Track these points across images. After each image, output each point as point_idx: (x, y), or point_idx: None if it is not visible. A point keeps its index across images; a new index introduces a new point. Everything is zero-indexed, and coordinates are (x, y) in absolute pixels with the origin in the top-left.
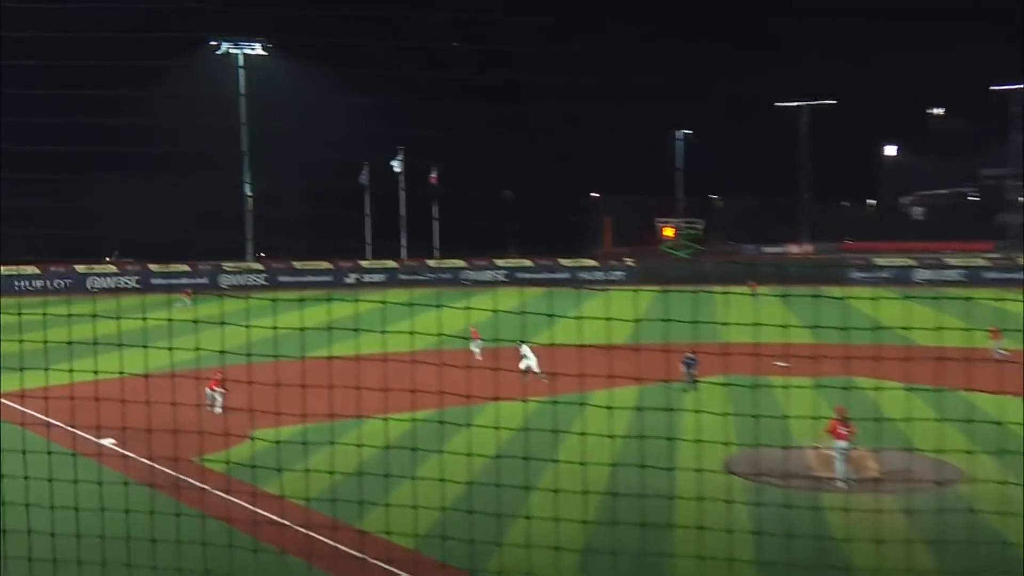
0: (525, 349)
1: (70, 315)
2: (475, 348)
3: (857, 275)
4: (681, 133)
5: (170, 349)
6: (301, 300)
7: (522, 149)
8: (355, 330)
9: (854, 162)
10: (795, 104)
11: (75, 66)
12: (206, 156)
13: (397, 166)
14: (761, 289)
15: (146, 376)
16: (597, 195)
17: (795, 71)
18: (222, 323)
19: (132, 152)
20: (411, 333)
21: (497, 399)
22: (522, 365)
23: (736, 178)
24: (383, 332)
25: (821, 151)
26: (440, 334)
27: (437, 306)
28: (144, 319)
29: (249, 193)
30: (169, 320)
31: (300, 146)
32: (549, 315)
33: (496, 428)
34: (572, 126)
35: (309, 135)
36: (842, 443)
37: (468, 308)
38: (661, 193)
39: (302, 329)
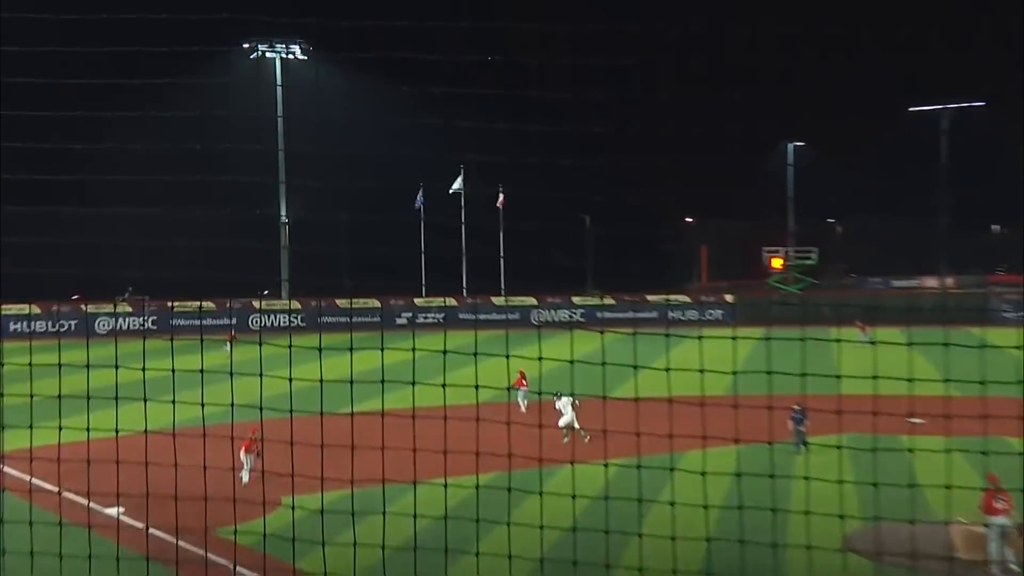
0: (563, 403)
1: (89, 365)
2: (520, 399)
3: (1010, 314)
4: (792, 146)
5: (202, 405)
6: (350, 348)
7: (603, 168)
8: (412, 383)
9: (1007, 176)
10: (933, 108)
11: (87, 84)
12: (236, 179)
13: (457, 187)
14: (874, 330)
15: (172, 434)
16: (691, 220)
17: (933, 67)
18: (260, 373)
19: (149, 178)
20: (476, 387)
21: (572, 461)
22: (561, 422)
23: (860, 197)
24: (443, 385)
25: (965, 163)
26: (508, 387)
27: (507, 356)
28: (173, 370)
29: (285, 219)
30: (201, 371)
31: (343, 167)
32: (633, 366)
33: (572, 496)
34: (661, 139)
35: (353, 155)
36: (998, 519)
37: (541, 358)
38: (768, 216)
39: (351, 382)
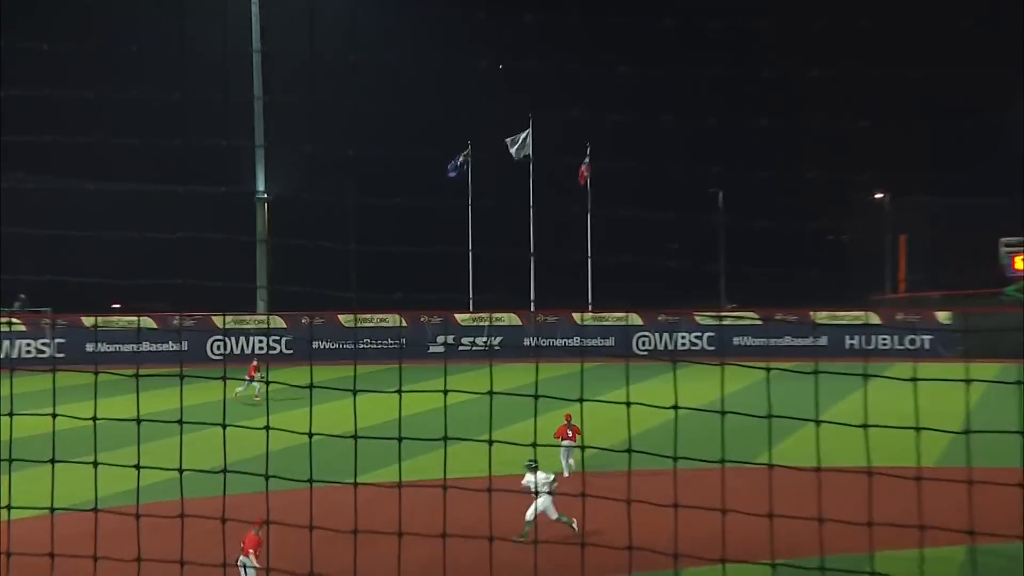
0: (532, 480)
1: (13, 412)
2: (563, 459)
3: None
4: None
5: (179, 471)
6: (398, 390)
7: (742, 124)
8: (488, 441)
9: None
10: None
11: None
12: (191, 141)
13: (518, 151)
14: None
15: (135, 514)
16: (882, 196)
17: None
18: (267, 426)
19: (58, 139)
20: (583, 448)
21: (723, 559)
22: (529, 513)
23: None
24: (534, 444)
25: None
26: (629, 450)
27: (627, 403)
28: (139, 419)
29: (263, 195)
30: (180, 421)
31: (350, 124)
32: (816, 420)
33: None
34: (839, 84)
35: (364, 106)
36: None
37: (677, 406)
38: (1008, 191)
39: (399, 439)
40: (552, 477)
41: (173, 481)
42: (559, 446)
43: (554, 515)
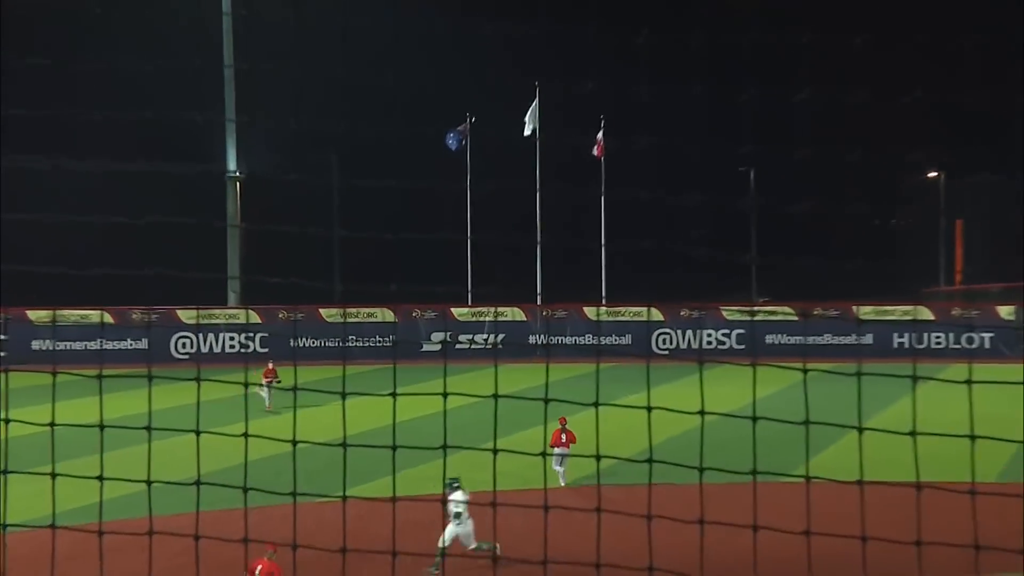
0: (457, 499)
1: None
2: (558, 468)
3: None
4: None
5: (148, 483)
6: (376, 394)
7: (778, 95)
8: (496, 452)
9: None
10: None
11: None
12: (155, 114)
13: (528, 126)
14: None
15: (98, 531)
16: (936, 175)
17: None
18: (245, 433)
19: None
20: (600, 457)
21: None
22: (447, 533)
23: None
24: (543, 455)
25: None
26: (651, 460)
27: (649, 408)
28: (102, 425)
29: (235, 173)
30: (148, 427)
31: (332, 96)
32: (858, 428)
33: None
34: (883, 45)
35: (348, 76)
36: None
37: (703, 412)
38: None
39: (393, 448)
40: (467, 500)
41: (140, 495)
42: (551, 454)
43: (473, 544)
